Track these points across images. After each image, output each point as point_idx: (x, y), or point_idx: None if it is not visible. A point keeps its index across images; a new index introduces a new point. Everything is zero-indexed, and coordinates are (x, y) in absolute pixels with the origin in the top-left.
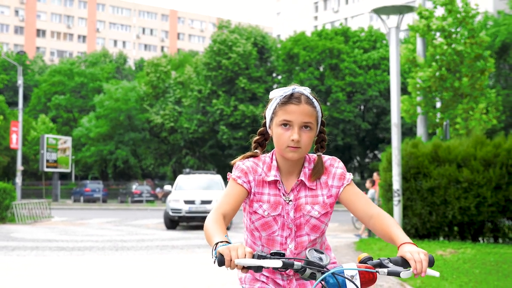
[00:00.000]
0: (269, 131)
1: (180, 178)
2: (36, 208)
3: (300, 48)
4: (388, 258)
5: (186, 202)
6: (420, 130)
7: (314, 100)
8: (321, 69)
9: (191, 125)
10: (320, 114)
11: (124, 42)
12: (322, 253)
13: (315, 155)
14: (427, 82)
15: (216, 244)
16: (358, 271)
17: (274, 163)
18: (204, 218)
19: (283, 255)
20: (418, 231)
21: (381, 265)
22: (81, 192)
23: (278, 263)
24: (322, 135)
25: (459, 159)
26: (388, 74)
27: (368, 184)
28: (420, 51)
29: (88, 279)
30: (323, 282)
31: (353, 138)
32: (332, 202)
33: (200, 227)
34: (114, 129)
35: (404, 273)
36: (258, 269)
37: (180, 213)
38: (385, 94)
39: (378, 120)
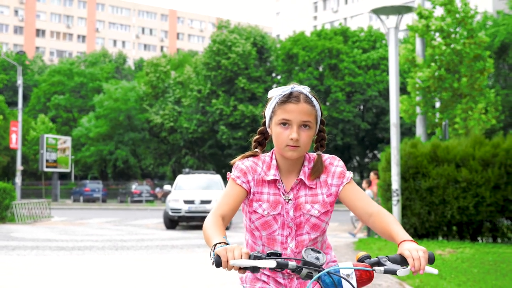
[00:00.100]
0: (269, 130)
1: (180, 178)
2: (36, 208)
3: (299, 48)
4: (386, 256)
5: (186, 202)
6: (419, 130)
7: (313, 99)
8: (321, 69)
9: (191, 125)
10: (319, 113)
11: (123, 42)
12: (319, 252)
13: (315, 154)
14: (426, 82)
15: (215, 245)
16: (354, 270)
17: (274, 162)
18: (203, 218)
19: (280, 255)
20: (417, 230)
21: (379, 263)
22: (80, 192)
23: (272, 263)
24: (322, 134)
25: (457, 159)
26: (388, 74)
27: (364, 184)
28: (419, 51)
29: (88, 278)
30: (319, 282)
31: (353, 138)
32: (332, 201)
33: (200, 227)
34: (113, 129)
35: (401, 271)
36: (255, 269)
37: (179, 213)
38: (385, 94)
39: (377, 120)
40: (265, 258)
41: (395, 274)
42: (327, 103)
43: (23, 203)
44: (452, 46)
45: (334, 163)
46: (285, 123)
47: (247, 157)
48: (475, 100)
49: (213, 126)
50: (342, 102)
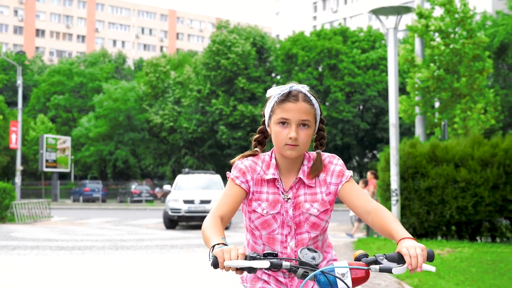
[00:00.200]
0: (268, 129)
1: (180, 178)
2: (35, 208)
3: (298, 48)
4: (384, 254)
5: (186, 201)
6: (418, 130)
7: (312, 97)
8: (320, 69)
9: (190, 125)
10: (318, 112)
11: (123, 42)
12: (315, 251)
13: (314, 153)
14: (426, 82)
15: (213, 246)
16: (350, 268)
17: (273, 161)
18: (203, 218)
19: (276, 255)
20: (416, 230)
21: (376, 262)
22: (80, 192)
23: (266, 264)
24: (321, 133)
25: (456, 159)
26: (387, 74)
27: (361, 184)
28: (419, 52)
29: (88, 278)
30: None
31: (352, 138)
32: (331, 200)
33: (200, 227)
34: (113, 129)
35: (396, 269)
36: (251, 270)
37: (179, 212)
38: (384, 94)
39: (376, 120)
40: (259, 259)
41: (391, 272)
42: (327, 103)
43: (23, 203)
44: (451, 46)
45: (334, 162)
46: (284, 122)
47: (246, 156)
48: (474, 100)
49: (212, 126)
50: (341, 102)
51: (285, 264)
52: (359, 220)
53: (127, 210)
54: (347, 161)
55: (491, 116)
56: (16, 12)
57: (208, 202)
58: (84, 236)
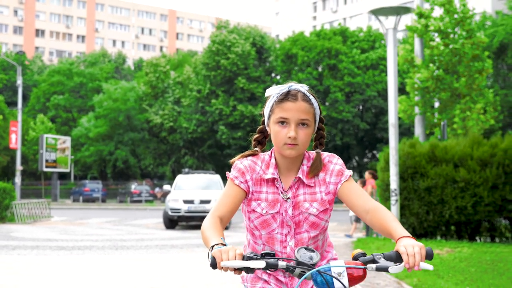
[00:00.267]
0: (268, 129)
1: (179, 178)
2: (35, 207)
3: (298, 48)
4: (382, 253)
5: (185, 201)
6: (418, 130)
7: (311, 97)
8: (320, 69)
9: (190, 125)
10: (317, 111)
11: (123, 42)
12: (313, 251)
13: (314, 152)
14: (425, 82)
15: (212, 247)
16: (346, 268)
17: (273, 161)
18: (203, 218)
19: (273, 255)
20: (416, 230)
21: (373, 261)
22: (80, 192)
23: (261, 264)
24: (321, 132)
25: (456, 159)
26: (387, 74)
27: (359, 184)
28: (418, 52)
29: (88, 277)
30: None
31: (352, 138)
32: (331, 199)
33: (199, 227)
34: (113, 129)
35: (393, 268)
36: (248, 270)
37: (179, 212)
38: (384, 94)
39: (376, 120)
40: (256, 259)
41: (387, 271)
42: (326, 103)
43: (23, 203)
44: (450, 46)
45: (333, 161)
46: (283, 122)
47: (246, 156)
48: (474, 100)
49: (212, 126)
50: (341, 102)
51: (281, 264)
52: (356, 220)
53: (127, 210)
54: (346, 161)
55: (490, 116)
56: (16, 12)
57: (208, 202)
58: (84, 236)
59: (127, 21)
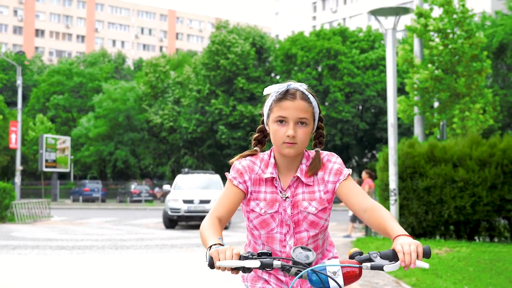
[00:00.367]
0: (267, 128)
1: (179, 177)
2: (35, 207)
3: (298, 48)
4: (378, 252)
5: (185, 201)
6: (417, 130)
7: (310, 96)
8: (319, 69)
9: (190, 125)
10: (316, 110)
11: (122, 42)
12: (309, 250)
13: (314, 151)
14: (424, 83)
15: (210, 247)
16: (341, 267)
17: (272, 160)
18: (202, 218)
19: (270, 254)
20: (415, 230)
21: (369, 259)
22: (80, 191)
23: (256, 263)
24: (320, 131)
25: (454, 159)
26: (386, 74)
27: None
28: (417, 52)
29: (88, 277)
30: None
31: (351, 138)
32: (330, 198)
33: (199, 227)
34: (113, 129)
35: (388, 267)
36: (245, 269)
37: (179, 212)
38: (383, 94)
39: (376, 120)
40: (251, 258)
41: (383, 269)
42: (326, 103)
43: (23, 203)
44: (449, 46)
45: (332, 160)
46: (281, 120)
47: (245, 156)
48: (473, 100)
49: (212, 126)
50: (341, 102)
51: (276, 263)
52: (353, 220)
53: (126, 210)
54: (346, 161)
55: (489, 116)
56: (15, 12)
57: (207, 202)
58: (84, 235)
59: (126, 21)
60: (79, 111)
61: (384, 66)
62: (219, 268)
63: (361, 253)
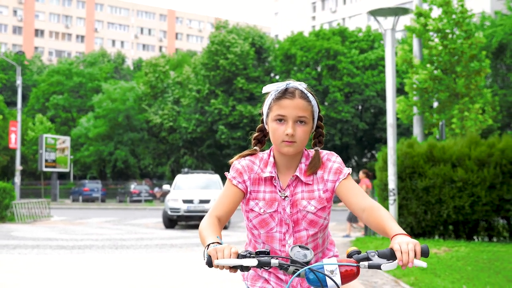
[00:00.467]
0: (266, 127)
1: (179, 177)
2: (35, 207)
3: (297, 48)
4: (376, 251)
5: (185, 201)
6: (416, 130)
7: (309, 94)
8: (319, 69)
9: (190, 125)
10: (316, 109)
11: (122, 42)
12: (307, 249)
13: (313, 150)
14: (423, 83)
15: (208, 246)
16: (339, 265)
17: (271, 159)
18: (202, 218)
19: (268, 253)
20: (414, 230)
21: (367, 258)
22: (79, 191)
23: (253, 262)
24: (320, 130)
25: (453, 159)
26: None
27: None
28: (417, 52)
29: (88, 276)
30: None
31: (351, 138)
32: (329, 197)
33: (199, 226)
34: (112, 129)
35: (385, 266)
36: (243, 268)
37: (178, 212)
38: (383, 95)
39: (375, 120)
40: (249, 257)
41: (380, 268)
42: (326, 103)
43: (23, 203)
44: (449, 46)
45: (332, 159)
46: (281, 119)
47: (244, 156)
48: (473, 101)
49: (212, 126)
50: (340, 102)
51: (274, 262)
52: (350, 220)
53: (126, 210)
54: (345, 161)
55: (489, 116)
56: (15, 12)
57: (207, 201)
58: (84, 235)
59: (126, 21)
60: (78, 111)
61: (384, 66)
62: (217, 266)
63: (359, 252)
